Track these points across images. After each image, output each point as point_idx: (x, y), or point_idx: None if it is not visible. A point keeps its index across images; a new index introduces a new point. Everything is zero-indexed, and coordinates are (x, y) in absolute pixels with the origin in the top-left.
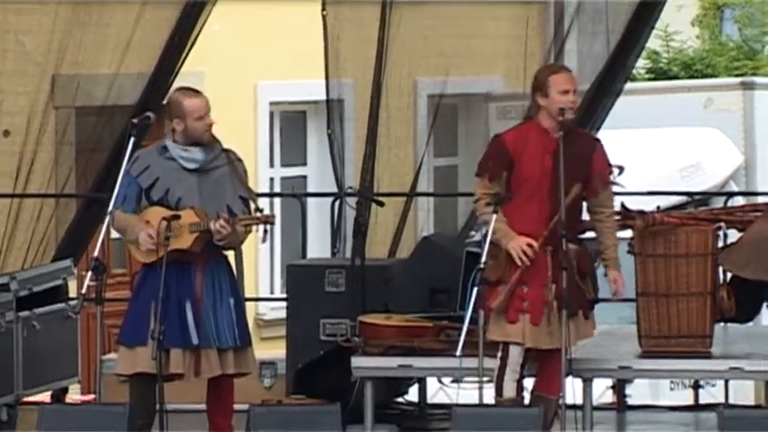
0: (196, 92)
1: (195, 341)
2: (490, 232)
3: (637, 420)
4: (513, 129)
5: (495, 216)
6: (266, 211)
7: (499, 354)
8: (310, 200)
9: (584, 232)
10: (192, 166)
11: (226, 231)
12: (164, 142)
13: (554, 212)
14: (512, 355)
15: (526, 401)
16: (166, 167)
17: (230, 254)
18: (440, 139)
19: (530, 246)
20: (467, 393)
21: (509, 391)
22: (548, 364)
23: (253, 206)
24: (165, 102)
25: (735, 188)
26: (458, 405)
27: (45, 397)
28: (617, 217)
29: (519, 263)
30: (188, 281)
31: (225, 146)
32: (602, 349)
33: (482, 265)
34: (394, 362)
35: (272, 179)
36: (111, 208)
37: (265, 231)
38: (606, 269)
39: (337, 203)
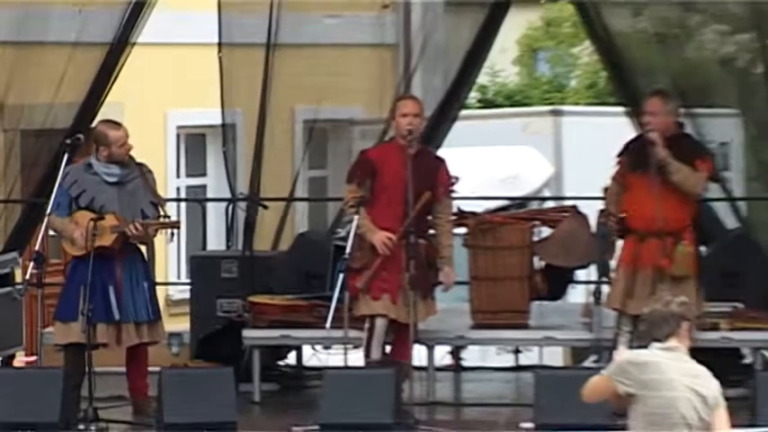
0: (118, 124)
1: (117, 317)
2: (354, 227)
3: (470, 379)
4: (377, 146)
5: (359, 215)
6: (174, 217)
7: (367, 325)
8: (209, 204)
9: (429, 230)
10: (112, 180)
11: (139, 233)
12: (89, 160)
13: (408, 213)
14: (378, 326)
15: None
16: (91, 181)
17: (144, 247)
18: (313, 155)
19: (389, 239)
20: (334, 358)
21: (375, 354)
22: (401, 336)
23: (162, 212)
24: (92, 131)
25: (547, 194)
26: (328, 367)
27: None
28: (454, 218)
29: (381, 252)
30: (110, 270)
31: (139, 160)
32: (443, 323)
33: (347, 256)
34: (277, 333)
35: (178, 188)
36: (48, 211)
37: (172, 234)
38: (440, 264)
39: (231, 207)
